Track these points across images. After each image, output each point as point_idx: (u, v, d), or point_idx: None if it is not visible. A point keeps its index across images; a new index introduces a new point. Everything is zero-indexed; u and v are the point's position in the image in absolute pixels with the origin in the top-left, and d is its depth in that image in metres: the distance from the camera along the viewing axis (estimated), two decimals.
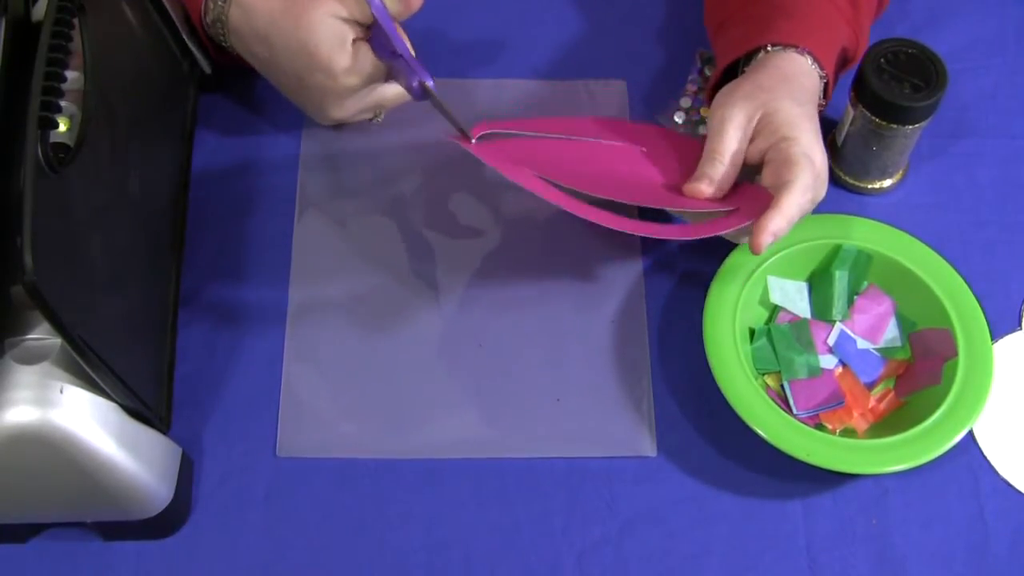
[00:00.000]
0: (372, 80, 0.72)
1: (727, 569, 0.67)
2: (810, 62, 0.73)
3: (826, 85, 0.74)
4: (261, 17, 0.71)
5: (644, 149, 0.78)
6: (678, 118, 0.83)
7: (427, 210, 0.79)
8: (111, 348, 0.59)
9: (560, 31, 0.88)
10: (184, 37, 0.77)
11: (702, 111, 0.83)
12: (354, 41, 0.71)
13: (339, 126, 0.81)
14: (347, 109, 0.75)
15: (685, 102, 0.84)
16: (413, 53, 0.71)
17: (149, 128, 0.73)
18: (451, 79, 0.84)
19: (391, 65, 0.71)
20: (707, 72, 0.85)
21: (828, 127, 0.82)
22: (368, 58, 0.71)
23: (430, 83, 0.70)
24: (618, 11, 0.89)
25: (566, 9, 0.89)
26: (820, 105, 0.75)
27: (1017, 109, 0.85)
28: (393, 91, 0.76)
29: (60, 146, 0.59)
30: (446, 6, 0.88)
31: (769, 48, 0.73)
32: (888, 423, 0.71)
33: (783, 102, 0.70)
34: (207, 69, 0.81)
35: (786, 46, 0.73)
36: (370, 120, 0.79)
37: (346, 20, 0.70)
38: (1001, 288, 0.77)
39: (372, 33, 0.72)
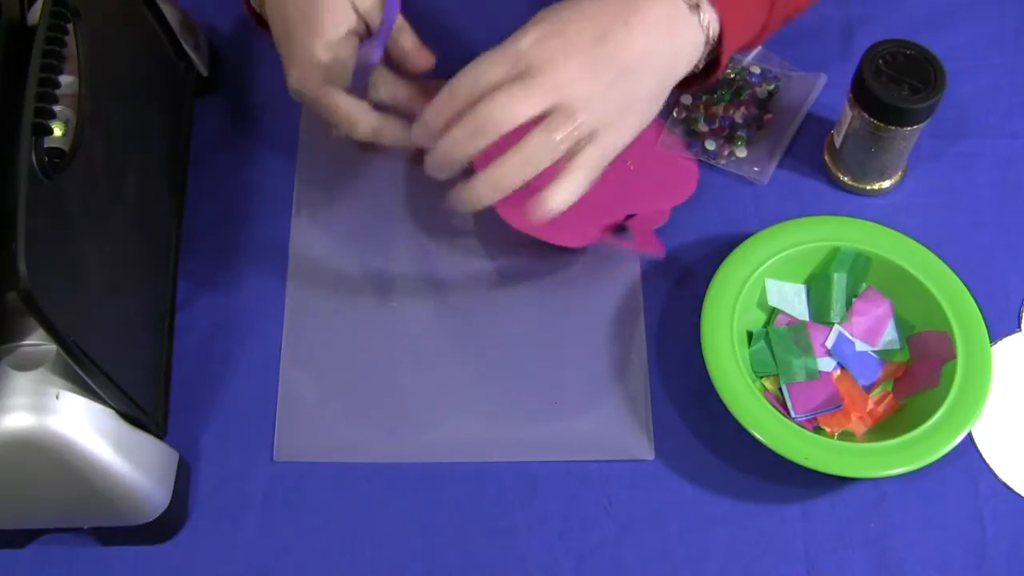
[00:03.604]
0: (337, 64, 0.70)
1: (725, 573, 0.67)
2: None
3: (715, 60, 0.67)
4: None
5: None
6: (678, 116, 0.83)
7: (425, 213, 0.79)
8: (107, 353, 0.59)
9: None
10: (180, 40, 0.77)
11: (702, 108, 0.83)
12: (349, 31, 0.70)
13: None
14: (301, 79, 0.70)
15: (686, 99, 0.84)
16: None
17: (145, 132, 0.72)
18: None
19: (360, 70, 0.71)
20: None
21: (827, 128, 0.82)
22: (345, 47, 0.70)
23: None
24: None
25: None
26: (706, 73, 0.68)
27: (1017, 109, 0.85)
28: (346, 109, 0.71)
29: (55, 151, 0.59)
30: (445, 6, 0.88)
31: None
32: (886, 426, 0.71)
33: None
34: (203, 72, 0.81)
35: None
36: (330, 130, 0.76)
37: (356, 10, 0.70)
38: (1000, 290, 0.76)
39: (363, 42, 0.72)
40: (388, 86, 0.71)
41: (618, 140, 0.65)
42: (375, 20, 0.70)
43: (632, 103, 0.65)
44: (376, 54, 0.69)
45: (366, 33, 0.72)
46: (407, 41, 0.72)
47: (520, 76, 0.62)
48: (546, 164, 0.63)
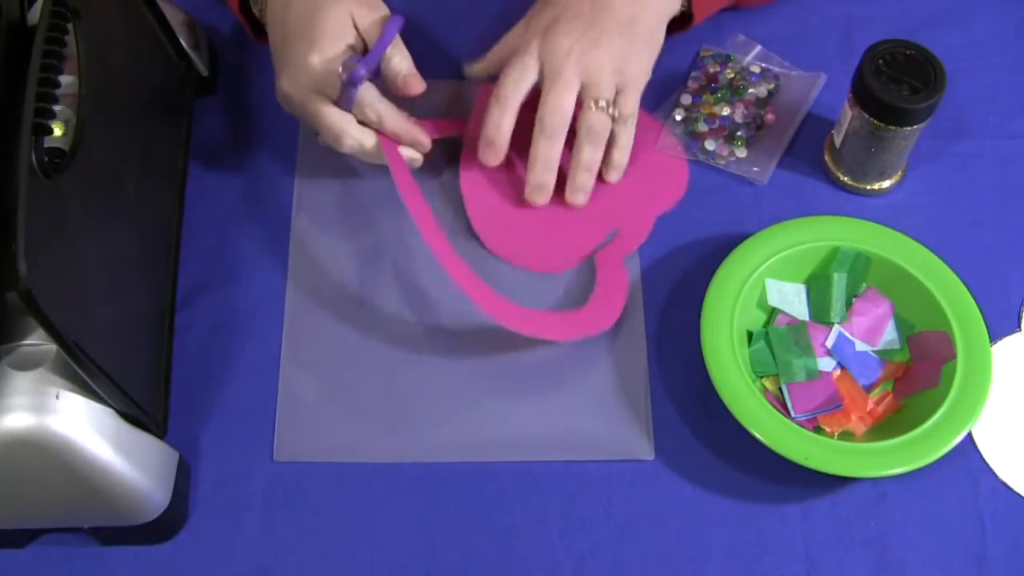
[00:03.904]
0: (329, 76, 0.70)
1: (725, 573, 0.67)
2: None
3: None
4: None
5: None
6: (678, 116, 0.83)
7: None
8: (107, 353, 0.59)
9: None
10: (181, 40, 0.77)
11: (702, 109, 0.83)
12: (346, 46, 0.71)
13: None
14: (292, 84, 0.72)
15: (686, 99, 0.84)
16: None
17: (145, 132, 0.72)
18: (449, 80, 0.84)
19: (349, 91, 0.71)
20: (710, 69, 0.85)
21: (827, 128, 0.82)
22: (340, 62, 0.70)
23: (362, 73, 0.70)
24: None
25: None
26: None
27: (1017, 109, 0.85)
28: (331, 120, 0.72)
29: (55, 151, 0.59)
30: (445, 6, 0.88)
31: None
32: (886, 426, 0.71)
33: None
34: (204, 72, 0.81)
35: None
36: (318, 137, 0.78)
37: (356, 28, 0.71)
38: (1000, 290, 0.76)
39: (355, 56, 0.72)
40: (374, 105, 0.72)
41: (642, 80, 0.75)
42: (373, 40, 0.71)
43: (643, 43, 0.74)
44: (363, 68, 0.69)
45: (363, 52, 0.72)
46: (402, 64, 0.73)
47: (550, 75, 0.72)
48: (607, 135, 0.74)
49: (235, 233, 0.78)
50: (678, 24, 0.79)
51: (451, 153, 0.80)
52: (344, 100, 0.71)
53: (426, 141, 0.75)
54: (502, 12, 0.88)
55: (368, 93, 0.71)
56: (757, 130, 0.82)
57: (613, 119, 0.74)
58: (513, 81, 0.73)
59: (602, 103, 0.73)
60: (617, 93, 0.73)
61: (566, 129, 0.73)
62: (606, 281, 0.75)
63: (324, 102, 0.71)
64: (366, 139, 0.73)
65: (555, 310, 0.75)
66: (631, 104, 0.74)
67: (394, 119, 0.73)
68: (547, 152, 0.74)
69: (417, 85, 0.73)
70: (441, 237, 0.72)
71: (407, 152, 0.75)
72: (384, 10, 0.72)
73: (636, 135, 0.77)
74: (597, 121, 0.73)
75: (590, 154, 0.75)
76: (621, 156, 0.77)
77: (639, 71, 0.74)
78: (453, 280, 0.70)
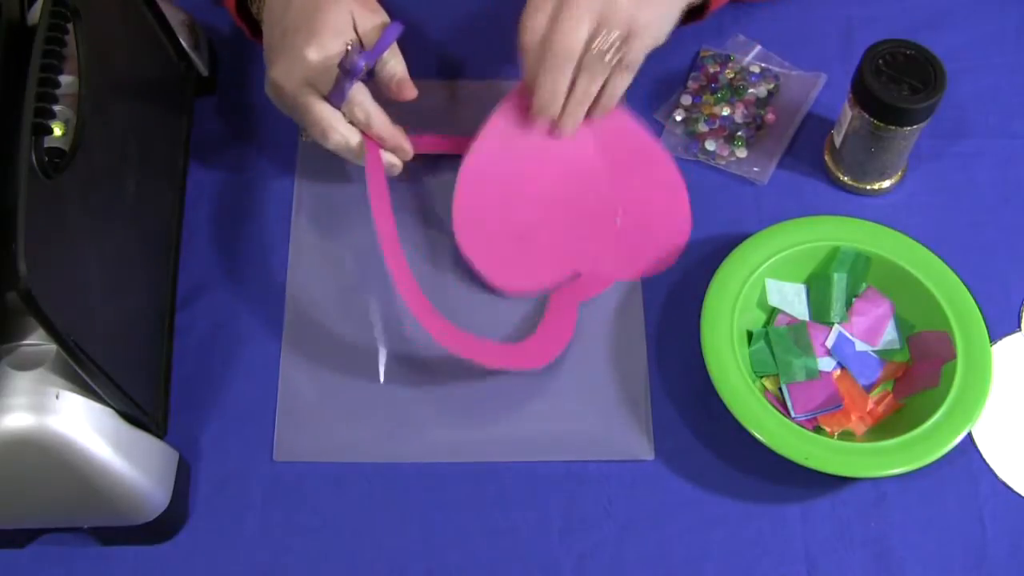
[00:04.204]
0: (323, 73, 0.70)
1: (725, 573, 0.67)
2: None
3: None
4: None
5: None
6: (678, 116, 0.83)
7: (425, 213, 0.79)
8: (107, 353, 0.59)
9: None
10: (181, 40, 0.77)
11: (702, 109, 0.83)
12: (344, 45, 0.71)
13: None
14: (284, 75, 0.71)
15: (686, 100, 0.84)
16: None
17: (145, 131, 0.72)
18: (447, 81, 0.84)
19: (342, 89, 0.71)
20: (710, 70, 0.85)
21: (827, 128, 0.82)
22: (335, 60, 0.70)
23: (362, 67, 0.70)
24: None
25: None
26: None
27: (1017, 109, 0.85)
28: (321, 114, 0.72)
29: (55, 151, 0.59)
30: (444, 6, 0.88)
31: None
32: (886, 426, 0.71)
33: None
34: (204, 72, 0.81)
35: None
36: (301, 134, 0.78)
37: (355, 29, 0.71)
38: (1000, 290, 0.76)
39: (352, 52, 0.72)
40: (364, 105, 0.72)
41: (654, 33, 0.73)
42: (370, 43, 0.71)
43: (665, 3, 0.74)
44: (363, 60, 0.69)
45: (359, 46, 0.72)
46: (397, 68, 0.73)
47: (566, 4, 0.71)
48: (605, 75, 0.73)
49: (235, 233, 0.78)
50: (690, 16, 0.79)
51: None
52: (336, 94, 0.70)
53: (408, 148, 0.75)
54: (500, 13, 0.88)
55: (359, 93, 0.71)
56: (757, 130, 0.82)
57: (617, 61, 0.72)
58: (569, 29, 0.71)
59: (611, 39, 0.71)
60: (627, 38, 0.72)
61: (571, 64, 0.71)
62: (555, 319, 0.74)
63: (316, 96, 0.71)
64: (352, 137, 0.73)
65: (495, 340, 0.74)
66: (636, 52, 0.72)
67: (381, 122, 0.73)
68: (552, 85, 0.72)
69: (410, 91, 0.74)
70: (397, 247, 0.72)
71: (388, 157, 0.75)
72: (385, 17, 0.72)
73: (653, 199, 0.78)
74: (600, 55, 0.71)
75: (585, 85, 0.73)
76: (609, 100, 0.75)
77: (654, 23, 0.73)
78: (397, 288, 0.70)
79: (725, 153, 0.81)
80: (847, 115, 0.76)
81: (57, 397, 0.58)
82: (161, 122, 0.76)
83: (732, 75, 0.85)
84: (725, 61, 0.86)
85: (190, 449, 0.70)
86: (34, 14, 0.62)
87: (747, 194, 0.80)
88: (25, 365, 0.58)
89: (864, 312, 0.74)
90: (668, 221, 0.79)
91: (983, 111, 0.84)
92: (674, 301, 0.76)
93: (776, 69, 0.85)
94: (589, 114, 0.75)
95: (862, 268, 0.74)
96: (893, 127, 0.74)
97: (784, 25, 0.88)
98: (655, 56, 0.86)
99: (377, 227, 0.71)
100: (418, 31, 0.86)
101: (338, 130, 0.72)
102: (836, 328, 0.74)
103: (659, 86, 0.85)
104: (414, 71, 0.74)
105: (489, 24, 0.88)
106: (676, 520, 0.69)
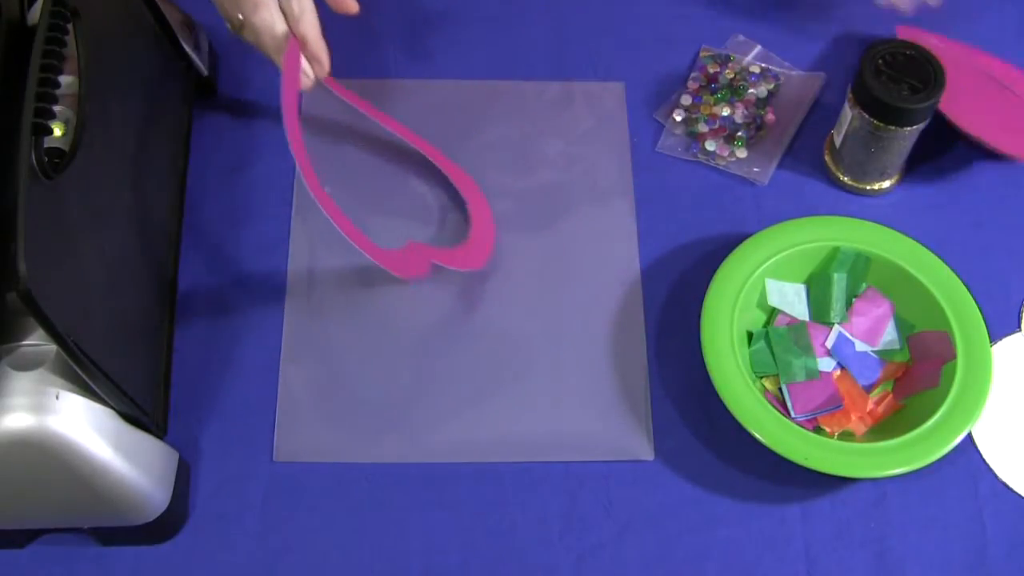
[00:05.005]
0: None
1: (725, 573, 0.67)
2: None
3: None
4: None
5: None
6: (678, 116, 0.83)
7: (424, 214, 0.79)
8: (107, 354, 0.59)
9: (559, 31, 0.88)
10: (180, 40, 0.77)
11: (702, 109, 0.83)
12: None
13: (337, 132, 0.80)
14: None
15: (686, 100, 0.84)
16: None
17: (145, 132, 0.72)
18: (447, 80, 0.84)
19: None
20: (710, 70, 0.85)
21: (827, 128, 0.82)
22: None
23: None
24: (618, 11, 0.89)
25: (565, 8, 0.89)
26: None
27: None
28: (265, 28, 0.71)
29: (55, 151, 0.59)
30: (444, 6, 0.88)
31: None
32: (886, 426, 0.71)
33: None
34: (203, 72, 0.81)
35: None
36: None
37: None
38: (1000, 290, 0.76)
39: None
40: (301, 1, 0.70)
41: None
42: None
43: None
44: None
45: None
46: None
47: None
48: None
49: (235, 233, 0.78)
50: None
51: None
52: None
53: (326, 63, 0.73)
54: (501, 13, 0.88)
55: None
56: (757, 130, 0.82)
57: None
58: None
59: None
60: None
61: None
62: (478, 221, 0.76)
63: (269, 23, 0.70)
64: (279, 23, 0.70)
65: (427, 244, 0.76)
66: None
67: (311, 21, 0.71)
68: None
69: (351, 5, 0.72)
70: (303, 151, 0.71)
71: (304, 65, 0.72)
72: None
73: None
74: None
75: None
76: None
77: None
78: (323, 208, 0.70)
79: (725, 153, 0.81)
80: (847, 115, 0.76)
81: (57, 397, 0.58)
82: (161, 122, 0.76)
83: (732, 75, 0.85)
84: (725, 61, 0.86)
85: (190, 449, 0.70)
86: (34, 14, 0.62)
87: (747, 194, 0.80)
88: (25, 365, 0.58)
89: (864, 312, 0.74)
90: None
91: None
92: (674, 301, 0.76)
93: (776, 69, 0.85)
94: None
95: (862, 268, 0.74)
96: (893, 127, 0.74)
97: (784, 25, 0.88)
98: (654, 58, 0.87)
99: (286, 123, 0.70)
100: (417, 31, 0.86)
101: (268, 8, 0.70)
102: (836, 328, 0.74)
103: (659, 86, 0.85)
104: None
105: (489, 24, 0.88)
106: (676, 520, 0.69)
